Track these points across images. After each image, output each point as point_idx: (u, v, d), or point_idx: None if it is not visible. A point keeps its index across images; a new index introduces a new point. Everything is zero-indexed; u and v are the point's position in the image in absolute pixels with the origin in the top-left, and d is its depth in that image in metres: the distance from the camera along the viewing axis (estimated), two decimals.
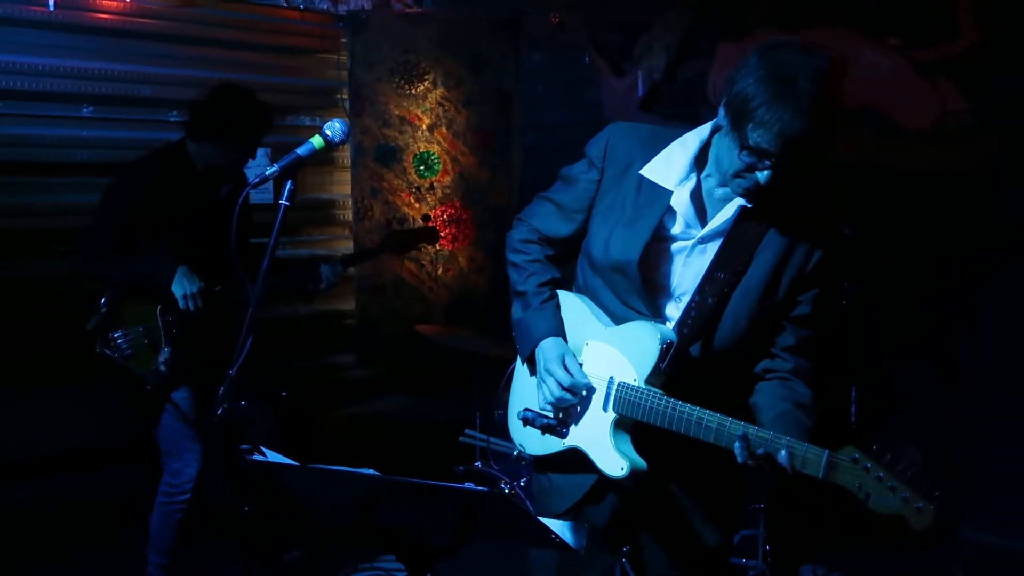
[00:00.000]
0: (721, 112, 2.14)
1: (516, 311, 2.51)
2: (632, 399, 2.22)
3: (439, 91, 5.67)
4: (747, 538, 4.07)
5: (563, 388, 2.31)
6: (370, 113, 5.67)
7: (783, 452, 2.03)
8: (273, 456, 2.05)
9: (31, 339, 4.55)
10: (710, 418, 2.12)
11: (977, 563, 4.22)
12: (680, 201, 2.25)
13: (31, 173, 4.66)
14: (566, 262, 2.54)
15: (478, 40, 5.70)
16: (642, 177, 2.29)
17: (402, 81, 5.64)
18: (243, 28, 5.38)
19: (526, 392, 2.48)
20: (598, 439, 2.28)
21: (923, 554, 4.24)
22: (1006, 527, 4.30)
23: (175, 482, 3.71)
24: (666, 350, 2.20)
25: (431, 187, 5.71)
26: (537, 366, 2.40)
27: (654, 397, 2.19)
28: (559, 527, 2.14)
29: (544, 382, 2.35)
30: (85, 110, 4.82)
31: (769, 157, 2.05)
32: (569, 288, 2.52)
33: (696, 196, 2.26)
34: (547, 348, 2.38)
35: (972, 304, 4.36)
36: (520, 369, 2.55)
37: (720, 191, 2.22)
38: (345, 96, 5.78)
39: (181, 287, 3.51)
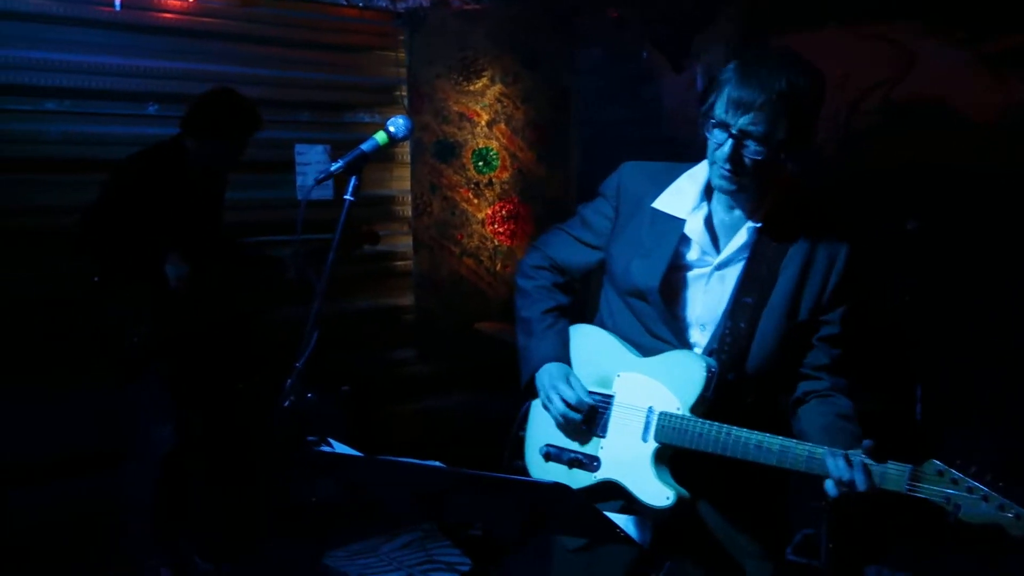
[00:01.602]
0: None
1: (520, 338, 2.52)
2: (678, 427, 2.21)
3: (497, 87, 5.68)
4: (808, 536, 4.02)
5: (569, 406, 2.31)
6: (429, 110, 5.70)
7: (860, 471, 2.02)
8: (341, 448, 2.07)
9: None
10: (770, 441, 2.11)
11: None
12: (694, 228, 2.28)
13: (100, 170, 4.75)
14: (575, 293, 2.56)
15: (535, 36, 5.70)
16: (655, 210, 2.33)
17: (460, 78, 5.66)
18: (303, 27, 5.44)
19: (545, 428, 2.44)
20: (637, 470, 2.25)
21: (994, 555, 4.16)
22: None
23: (152, 442, 3.94)
24: (710, 378, 2.21)
25: (489, 183, 5.73)
26: (539, 391, 2.40)
27: (702, 424, 2.18)
28: (623, 521, 2.14)
29: (550, 402, 2.35)
30: (150, 108, 4.91)
31: (725, 128, 2.12)
32: (584, 319, 2.51)
33: (709, 224, 2.29)
34: (549, 371, 2.39)
35: None
36: (536, 406, 2.52)
37: (730, 217, 2.28)
38: (404, 93, 5.81)
39: (174, 269, 3.77)
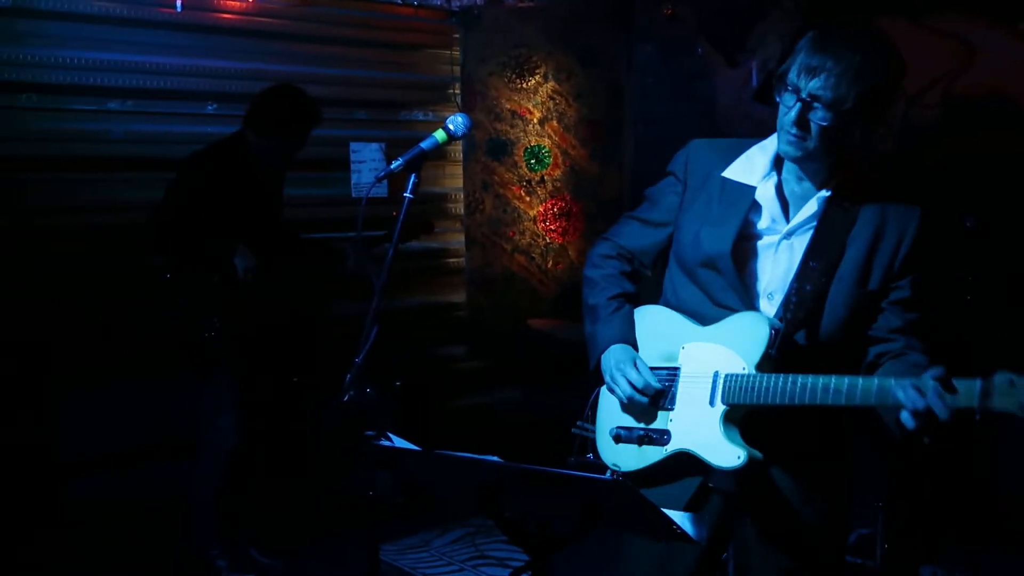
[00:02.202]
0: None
1: (586, 326, 2.54)
2: (744, 386, 2.21)
3: (550, 85, 5.69)
4: (864, 537, 3.98)
5: (635, 388, 2.32)
6: (481, 107, 5.72)
7: (933, 394, 1.97)
8: (400, 442, 2.10)
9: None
10: (837, 382, 2.08)
11: None
12: (764, 196, 2.30)
13: (161, 169, 4.85)
14: (641, 280, 2.58)
15: (589, 33, 5.70)
16: (724, 179, 2.35)
17: (513, 75, 5.68)
18: (359, 25, 5.49)
19: (613, 412, 2.47)
20: (707, 436, 2.25)
21: None
22: None
23: (215, 437, 3.98)
24: (774, 336, 2.21)
25: (541, 180, 5.74)
26: (604, 374, 2.42)
27: (768, 378, 2.18)
28: (680, 518, 2.14)
29: (616, 384, 2.37)
30: (210, 107, 4.99)
31: (795, 91, 2.13)
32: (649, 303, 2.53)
33: (779, 192, 2.30)
34: (614, 352, 2.41)
35: None
36: (603, 392, 2.53)
37: (800, 187, 2.28)
38: (457, 91, 5.84)
39: (243, 260, 3.83)
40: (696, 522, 2.29)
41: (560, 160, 5.75)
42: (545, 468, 1.87)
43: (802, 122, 2.14)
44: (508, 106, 5.71)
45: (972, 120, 4.44)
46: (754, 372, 2.21)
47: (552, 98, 5.70)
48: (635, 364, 2.36)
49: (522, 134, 5.72)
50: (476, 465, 1.97)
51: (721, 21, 5.43)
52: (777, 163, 2.31)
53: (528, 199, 5.73)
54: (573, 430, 4.29)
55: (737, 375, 2.23)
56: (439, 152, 5.71)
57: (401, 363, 5.57)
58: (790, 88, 2.15)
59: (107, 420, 4.64)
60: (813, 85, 2.10)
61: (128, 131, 4.75)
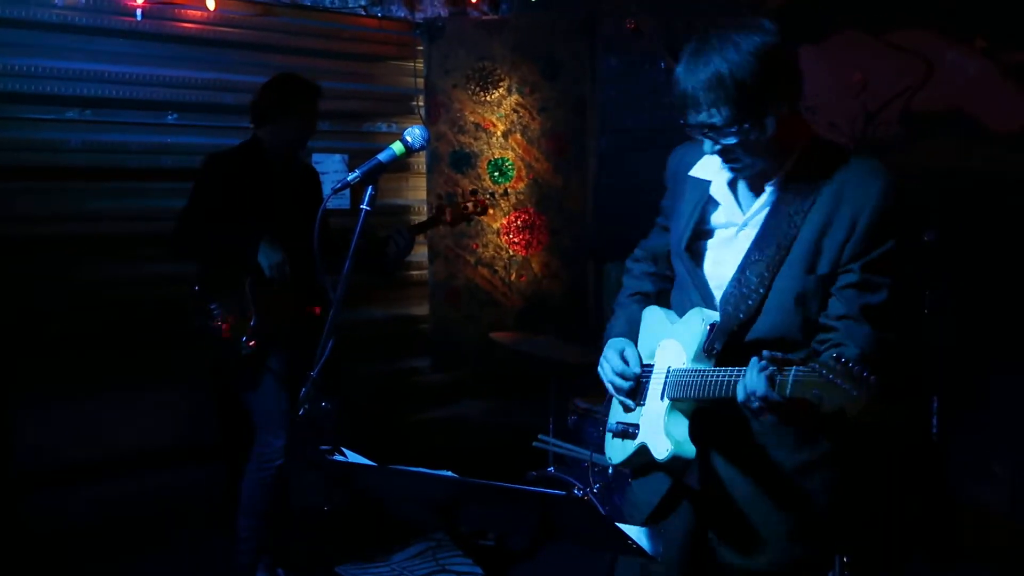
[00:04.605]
0: None
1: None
2: (680, 380, 2.25)
3: (514, 97, 5.69)
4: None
5: (615, 372, 2.42)
6: (445, 119, 5.71)
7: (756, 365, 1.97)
8: (353, 457, 2.07)
9: (115, 340, 4.70)
10: (720, 375, 2.11)
11: None
12: (718, 189, 2.34)
13: (119, 178, 4.80)
14: (665, 280, 2.64)
15: (553, 46, 5.71)
16: (689, 177, 2.41)
17: (477, 88, 5.68)
18: (322, 36, 5.47)
19: (616, 408, 2.56)
20: (654, 428, 2.32)
21: (1007, 570, 4.12)
22: None
23: (265, 452, 3.94)
24: (710, 330, 2.24)
25: (505, 193, 5.74)
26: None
27: (696, 373, 2.20)
28: (636, 533, 2.13)
29: (603, 373, 2.48)
30: (170, 117, 4.95)
31: (695, 131, 2.16)
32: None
33: (732, 186, 2.33)
34: (610, 346, 2.51)
35: None
36: None
37: (752, 180, 2.30)
38: (421, 103, 5.83)
39: (266, 258, 3.80)
40: (653, 537, 2.29)
41: (524, 173, 5.75)
42: (499, 483, 1.86)
43: (722, 151, 2.17)
44: (472, 118, 5.70)
45: (930, 136, 4.49)
46: (691, 367, 2.24)
47: (516, 111, 5.70)
48: (622, 354, 2.45)
49: (486, 146, 5.72)
50: (430, 480, 1.95)
51: (684, 35, 5.45)
52: None
53: (492, 212, 5.72)
54: (534, 444, 4.30)
55: (677, 369, 2.28)
56: (402, 164, 5.77)
57: (363, 376, 5.55)
58: (688, 131, 2.19)
59: (67, 434, 4.59)
60: (700, 119, 2.12)
61: (86, 141, 4.71)
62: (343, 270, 2.38)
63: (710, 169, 2.36)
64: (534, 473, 4.12)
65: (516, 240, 5.76)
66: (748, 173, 2.24)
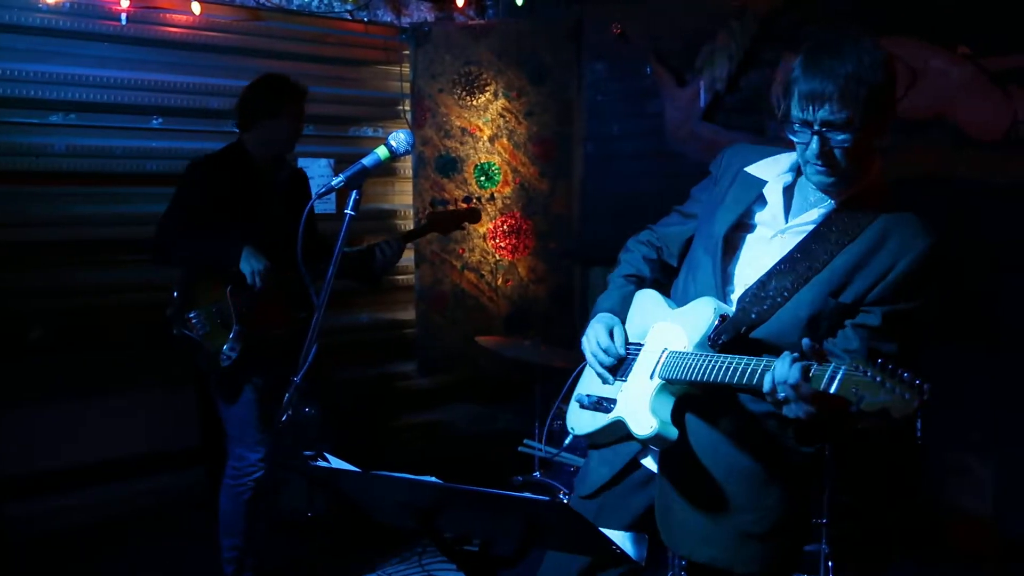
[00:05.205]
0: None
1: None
2: (679, 363, 2.25)
3: (500, 102, 5.70)
4: (809, 554, 4.00)
5: (600, 347, 2.43)
6: (431, 124, 5.71)
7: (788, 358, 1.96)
8: (337, 463, 2.06)
9: (98, 345, 4.68)
10: (739, 361, 2.10)
11: None
12: (772, 191, 2.34)
13: (103, 183, 4.78)
14: (664, 269, 2.65)
15: (540, 51, 5.72)
16: (745, 172, 2.42)
17: (463, 92, 5.68)
18: (308, 41, 5.46)
19: (587, 380, 2.58)
20: (637, 405, 2.32)
21: (993, 571, 4.14)
22: None
23: (239, 465, 3.86)
24: (720, 321, 2.25)
25: (491, 197, 5.74)
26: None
27: (700, 357, 2.20)
28: (620, 539, 2.13)
29: (587, 343, 2.47)
30: (155, 122, 4.93)
31: (806, 125, 2.12)
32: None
33: (788, 192, 2.33)
34: (598, 319, 2.52)
35: None
36: (587, 365, 2.61)
37: (814, 195, 2.29)
38: (407, 107, 5.83)
39: (249, 265, 3.67)
40: (637, 542, 2.29)
41: (510, 177, 5.75)
42: (482, 489, 1.85)
43: (825, 152, 2.13)
44: (458, 123, 5.70)
45: (914, 143, 4.51)
46: (693, 351, 2.25)
47: (502, 115, 5.70)
48: (610, 330, 2.46)
49: (472, 151, 5.72)
50: (414, 486, 1.94)
51: (670, 40, 5.47)
52: (799, 168, 2.31)
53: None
54: (520, 449, 4.30)
55: (678, 352, 2.29)
56: (388, 168, 5.76)
57: (349, 380, 5.54)
58: (798, 124, 2.13)
59: (45, 440, 4.57)
60: (822, 114, 2.09)
61: (70, 145, 4.69)
62: (327, 275, 2.37)
63: (770, 171, 2.37)
64: (520, 478, 4.12)
65: (502, 244, 5.76)
66: (834, 181, 2.19)
